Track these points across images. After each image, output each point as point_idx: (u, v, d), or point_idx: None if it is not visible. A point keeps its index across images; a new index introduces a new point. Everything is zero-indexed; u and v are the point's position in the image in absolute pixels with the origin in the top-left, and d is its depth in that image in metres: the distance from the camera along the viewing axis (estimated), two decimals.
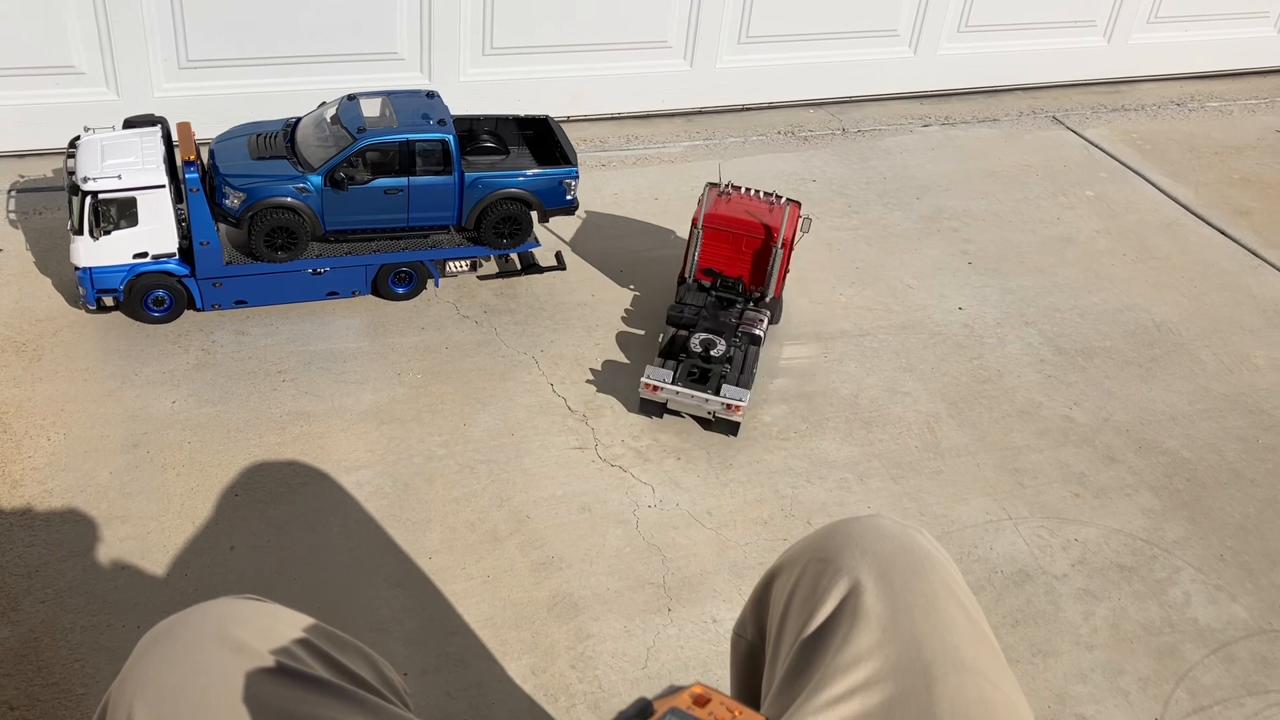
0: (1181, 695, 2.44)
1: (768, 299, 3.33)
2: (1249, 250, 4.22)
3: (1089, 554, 2.78)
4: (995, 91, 5.28)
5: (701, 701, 0.91)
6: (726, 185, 3.40)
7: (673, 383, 2.99)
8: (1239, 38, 5.70)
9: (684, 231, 3.91)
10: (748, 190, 3.40)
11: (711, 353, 3.06)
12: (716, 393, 2.95)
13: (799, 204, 3.38)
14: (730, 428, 3.03)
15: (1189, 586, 2.72)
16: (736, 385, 2.98)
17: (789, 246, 3.28)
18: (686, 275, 3.37)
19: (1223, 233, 4.33)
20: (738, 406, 2.93)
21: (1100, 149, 4.89)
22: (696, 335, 3.10)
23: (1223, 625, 2.62)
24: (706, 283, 3.33)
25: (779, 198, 3.37)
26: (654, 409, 3.06)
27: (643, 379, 3.00)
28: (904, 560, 1.27)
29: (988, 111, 5.11)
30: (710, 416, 3.01)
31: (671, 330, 3.18)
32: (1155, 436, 3.20)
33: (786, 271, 3.35)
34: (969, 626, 1.22)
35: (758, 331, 3.17)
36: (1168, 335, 3.66)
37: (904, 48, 4.97)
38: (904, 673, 1.15)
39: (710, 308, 3.23)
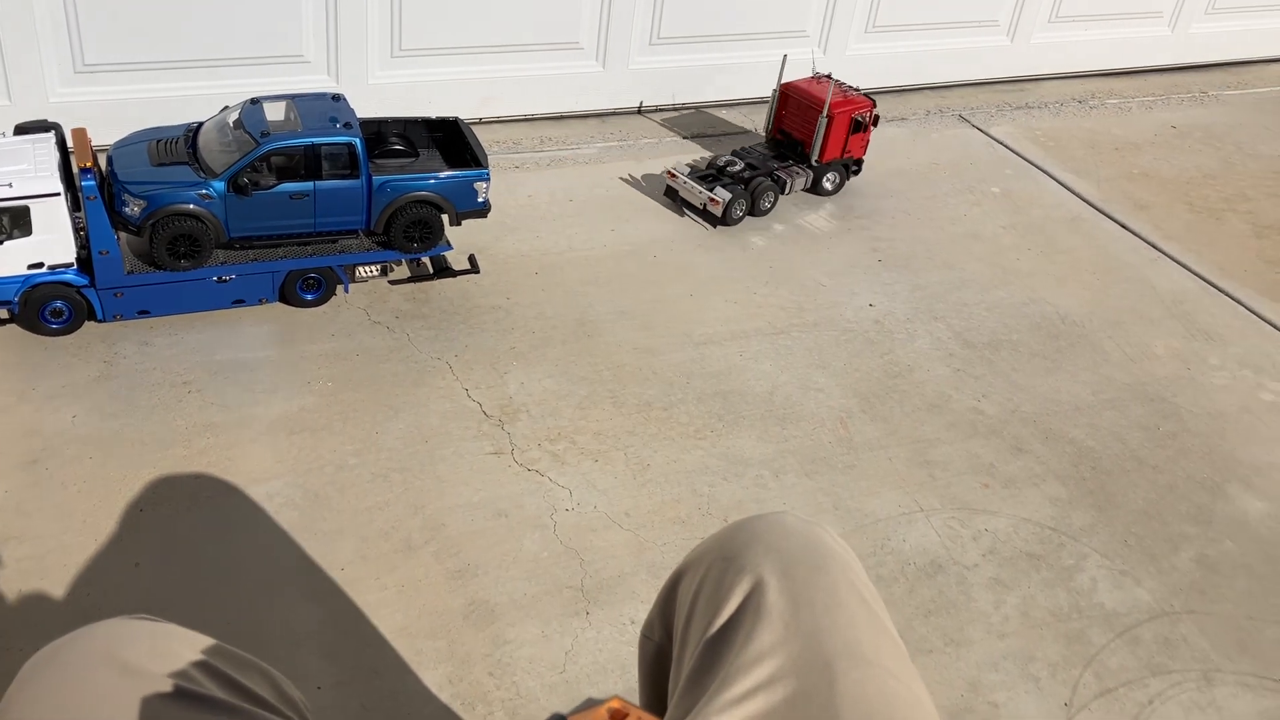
0: (1089, 679, 2.50)
1: (813, 161, 4.26)
2: (1149, 243, 4.34)
3: (999, 543, 2.84)
4: (903, 91, 5.37)
5: (619, 717, 0.90)
6: (827, 75, 4.34)
7: (686, 177, 4.06)
8: (1136, 37, 5.87)
9: (600, 234, 3.93)
10: (837, 83, 4.29)
11: (729, 169, 4.13)
12: (710, 190, 3.99)
13: (873, 102, 4.32)
14: (710, 219, 4.07)
15: (1095, 572, 2.79)
16: (725, 190, 3.98)
17: (836, 121, 4.19)
18: (764, 131, 4.46)
19: (1123, 226, 4.45)
20: (716, 201, 3.98)
21: (1005, 146, 5.00)
22: (725, 157, 4.22)
23: (1127, 609, 2.69)
24: (779, 140, 4.37)
25: (855, 89, 4.32)
26: (674, 194, 4.13)
27: (667, 169, 4.14)
28: (806, 556, 1.28)
29: (896, 110, 5.19)
30: (702, 206, 4.04)
31: (725, 157, 4.25)
32: (1061, 426, 3.28)
33: (845, 149, 4.30)
34: (870, 621, 1.24)
35: (785, 178, 4.19)
36: (1072, 327, 3.75)
37: (815, 49, 5.02)
38: (806, 668, 1.16)
39: (768, 156, 4.29)
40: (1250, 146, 5.28)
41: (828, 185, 4.33)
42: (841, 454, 3.06)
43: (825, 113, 4.14)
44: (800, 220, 4.18)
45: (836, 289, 3.79)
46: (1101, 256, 4.21)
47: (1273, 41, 6.35)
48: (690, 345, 3.41)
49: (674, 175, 4.09)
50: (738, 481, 2.92)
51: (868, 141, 4.38)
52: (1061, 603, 2.69)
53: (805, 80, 4.32)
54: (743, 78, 4.97)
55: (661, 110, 4.88)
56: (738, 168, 4.14)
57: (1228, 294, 4.05)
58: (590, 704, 0.91)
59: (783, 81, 4.31)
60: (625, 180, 4.30)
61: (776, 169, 4.20)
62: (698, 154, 4.52)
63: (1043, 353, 3.60)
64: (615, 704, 0.89)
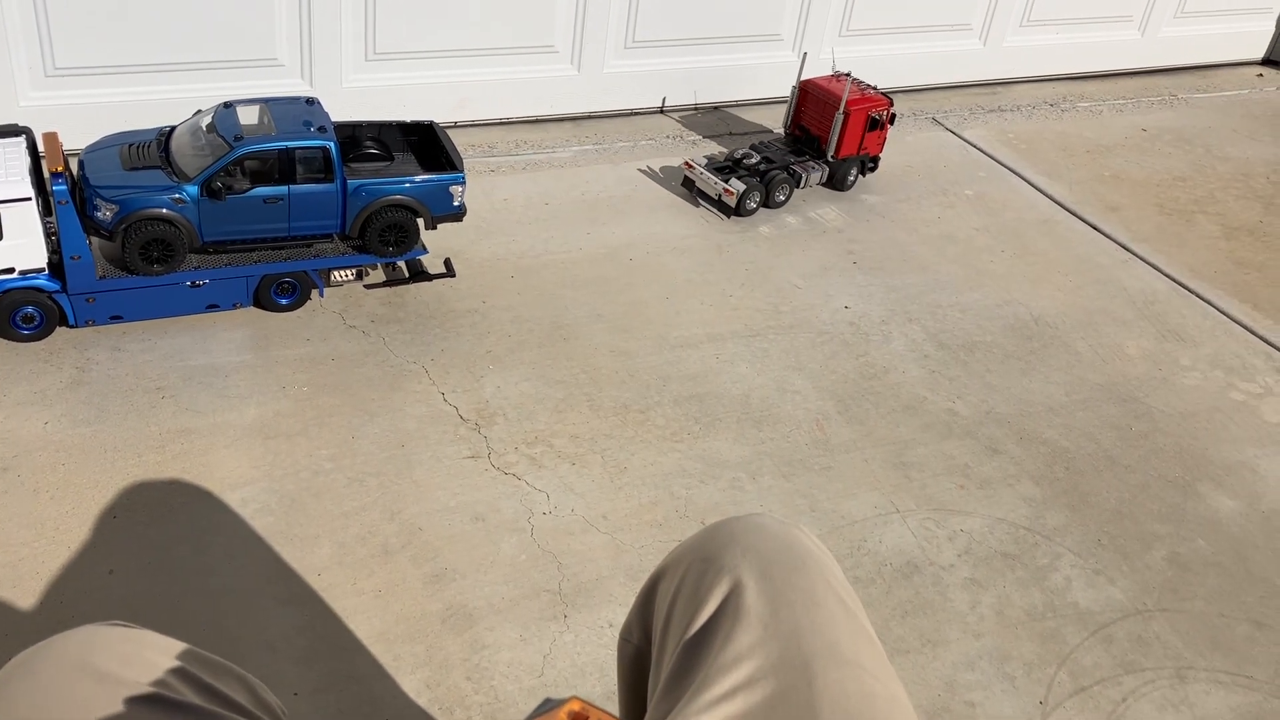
0: (1064, 677, 2.52)
1: (829, 156, 4.35)
2: (1120, 245, 4.38)
3: (974, 544, 2.85)
4: None
5: (578, 719, 0.89)
6: (847, 73, 4.39)
7: (703, 169, 4.16)
8: (1106, 40, 5.92)
9: (576, 238, 3.92)
10: (855, 81, 4.36)
11: (744, 162, 4.24)
12: (726, 182, 4.08)
13: (890, 100, 4.40)
14: (725, 208, 4.18)
15: (1069, 572, 2.81)
16: (740, 182, 4.10)
17: (853, 118, 4.27)
18: (784, 127, 4.53)
19: (1095, 228, 4.49)
20: (730, 191, 4.09)
21: (978, 149, 5.03)
22: (742, 150, 4.31)
23: (1101, 608, 2.71)
24: (798, 135, 4.46)
25: (873, 88, 4.40)
26: (690, 185, 4.24)
27: (685, 160, 4.23)
28: (784, 557, 1.28)
29: None
30: (717, 197, 4.15)
31: (742, 150, 4.35)
32: (1035, 427, 3.30)
33: (862, 146, 4.39)
34: (848, 621, 1.24)
35: (800, 171, 4.29)
36: (1045, 329, 3.78)
37: (788, 52, 5.04)
38: (785, 669, 1.16)
39: (785, 151, 4.39)
40: (1219, 149, 5.34)
41: (850, 179, 4.44)
42: (818, 456, 3.07)
43: (842, 109, 4.23)
44: (782, 221, 4.19)
45: (812, 291, 3.80)
46: (1073, 258, 4.25)
47: (1241, 45, 6.42)
48: (666, 348, 3.41)
49: (691, 166, 4.19)
50: (714, 484, 2.93)
51: (884, 139, 4.46)
52: (1036, 602, 2.71)
53: (824, 78, 4.39)
54: (718, 81, 4.98)
55: (638, 114, 4.88)
56: (754, 160, 4.25)
57: (1198, 295, 4.09)
58: (548, 705, 0.90)
59: (802, 78, 4.38)
60: (601, 184, 4.31)
61: (793, 163, 4.31)
62: (678, 158, 4.53)
63: (1016, 354, 3.63)
64: (574, 706, 0.88)
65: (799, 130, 4.47)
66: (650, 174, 4.41)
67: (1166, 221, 4.61)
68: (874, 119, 4.35)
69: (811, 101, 4.39)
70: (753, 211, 4.17)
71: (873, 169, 4.53)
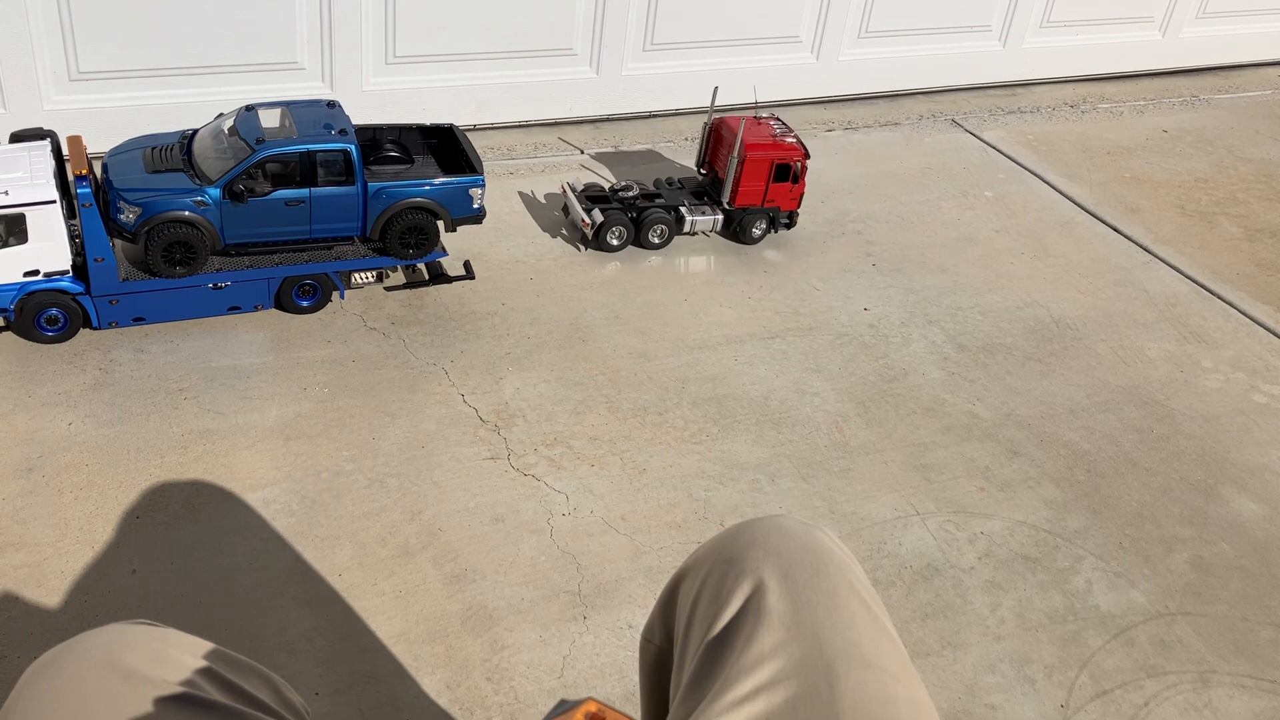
0: (1085, 681, 2.51)
1: (724, 202, 3.92)
2: (1141, 246, 4.36)
3: (995, 546, 2.84)
4: (896, 96, 5.39)
5: None
6: (770, 115, 4.07)
7: (574, 195, 3.87)
8: (1127, 41, 5.89)
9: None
10: (776, 123, 4.02)
11: (621, 195, 3.87)
12: (588, 212, 3.78)
13: (806, 153, 3.91)
14: (585, 240, 3.87)
15: (1090, 575, 2.80)
16: (601, 214, 3.77)
17: (750, 164, 3.83)
18: (696, 165, 4.14)
19: (1116, 230, 4.47)
20: (586, 223, 3.76)
21: (998, 150, 5.01)
22: (625, 181, 3.94)
23: (1123, 611, 2.70)
24: (706, 176, 4.09)
25: (793, 137, 3.94)
26: (562, 205, 3.98)
27: (565, 181, 4.01)
28: (806, 559, 1.28)
29: (889, 116, 5.21)
30: (577, 226, 3.87)
31: (624, 181, 3.97)
32: (1056, 429, 3.29)
33: (766, 197, 3.92)
34: (870, 623, 1.24)
35: (684, 213, 3.89)
36: (1065, 331, 3.76)
37: (806, 54, 5.04)
38: (807, 670, 1.16)
39: (685, 190, 4.02)
40: (1241, 150, 5.30)
41: (755, 232, 3.96)
42: (837, 458, 3.07)
43: (736, 153, 3.80)
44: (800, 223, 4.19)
45: (831, 293, 3.80)
46: (1094, 260, 4.23)
47: (1263, 45, 6.38)
48: (685, 350, 3.41)
49: (565, 191, 3.92)
50: (733, 486, 2.93)
51: (799, 195, 3.95)
52: (1057, 605, 2.70)
53: (737, 118, 3.92)
54: (736, 83, 4.97)
55: (655, 116, 4.88)
56: (631, 194, 3.85)
57: (1220, 297, 4.07)
58: (564, 707, 0.90)
59: (720, 116, 4.01)
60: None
61: (684, 204, 3.90)
62: (691, 160, 4.54)
63: (1037, 356, 3.61)
64: (591, 707, 0.88)
65: (708, 171, 4.07)
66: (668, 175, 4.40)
67: (1188, 223, 4.58)
68: (782, 168, 3.85)
69: (721, 142, 3.94)
70: (616, 248, 3.81)
71: (788, 226, 4.02)
